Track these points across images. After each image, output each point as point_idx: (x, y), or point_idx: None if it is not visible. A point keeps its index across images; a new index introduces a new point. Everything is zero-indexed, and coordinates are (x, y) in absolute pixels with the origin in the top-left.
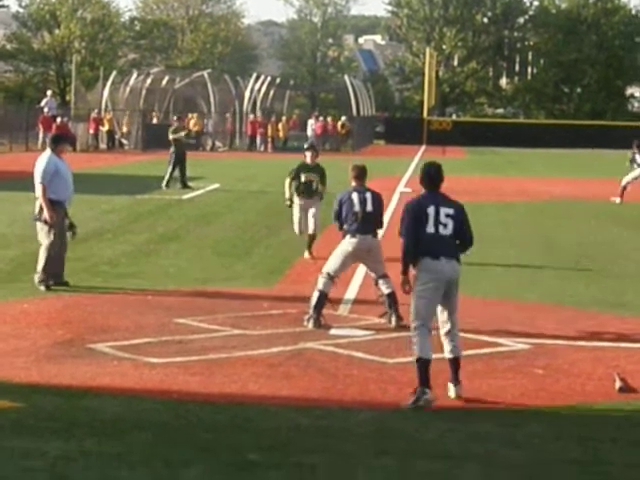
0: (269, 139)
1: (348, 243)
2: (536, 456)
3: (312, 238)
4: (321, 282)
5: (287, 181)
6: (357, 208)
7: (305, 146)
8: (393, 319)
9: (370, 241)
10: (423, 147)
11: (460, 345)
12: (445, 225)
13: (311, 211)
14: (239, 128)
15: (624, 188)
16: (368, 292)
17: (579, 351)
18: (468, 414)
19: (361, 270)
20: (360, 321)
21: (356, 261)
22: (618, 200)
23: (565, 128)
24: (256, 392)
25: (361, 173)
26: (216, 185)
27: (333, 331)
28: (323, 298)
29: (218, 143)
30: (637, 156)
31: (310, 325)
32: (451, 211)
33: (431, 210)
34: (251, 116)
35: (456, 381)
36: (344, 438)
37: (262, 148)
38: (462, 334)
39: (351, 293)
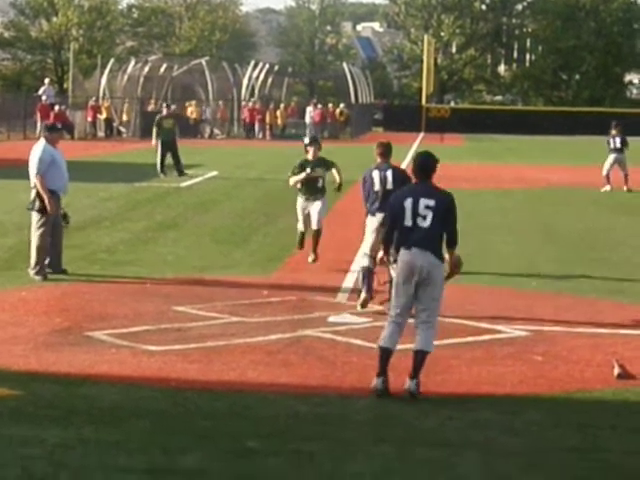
0: (267, 126)
1: (371, 221)
2: (535, 444)
3: (315, 236)
4: (363, 261)
5: (291, 177)
6: (377, 187)
7: (306, 141)
8: None
9: None
10: (421, 134)
11: (428, 340)
12: (424, 217)
13: (315, 206)
14: (237, 116)
15: (607, 177)
16: None
17: (578, 338)
18: (467, 401)
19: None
20: (358, 309)
21: None
22: (608, 188)
23: (563, 115)
24: (255, 380)
25: (385, 150)
26: (214, 173)
27: (331, 318)
28: (371, 273)
29: (216, 131)
30: (610, 140)
31: (367, 298)
32: (431, 202)
33: (408, 203)
34: (249, 104)
35: (412, 374)
36: (343, 425)
37: (260, 135)
38: (461, 321)
39: (349, 281)
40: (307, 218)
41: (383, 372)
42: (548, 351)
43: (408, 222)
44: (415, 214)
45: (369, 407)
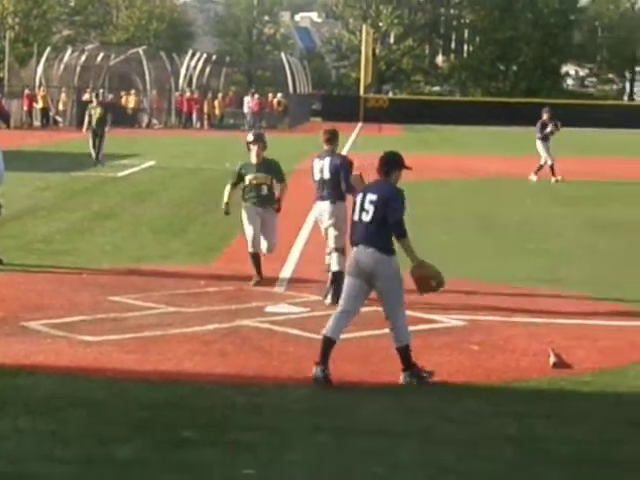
0: (205, 116)
1: (314, 211)
2: (472, 432)
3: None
4: (334, 264)
5: (227, 187)
6: (316, 176)
7: (249, 138)
8: (329, 297)
9: (326, 207)
10: (360, 124)
11: (398, 335)
12: (367, 211)
13: (266, 226)
14: (174, 105)
15: (541, 166)
16: (304, 270)
17: (514, 327)
18: (405, 390)
19: (297, 248)
20: (296, 299)
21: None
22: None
23: (501, 106)
24: (191, 370)
25: (331, 137)
26: (152, 162)
27: (269, 308)
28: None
29: (154, 120)
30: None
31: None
32: (374, 197)
33: (359, 198)
34: (187, 93)
35: (403, 367)
36: (280, 415)
37: (198, 125)
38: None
39: (287, 271)
40: (258, 233)
41: (323, 361)
42: (484, 340)
43: (355, 217)
44: (361, 209)
45: (306, 397)
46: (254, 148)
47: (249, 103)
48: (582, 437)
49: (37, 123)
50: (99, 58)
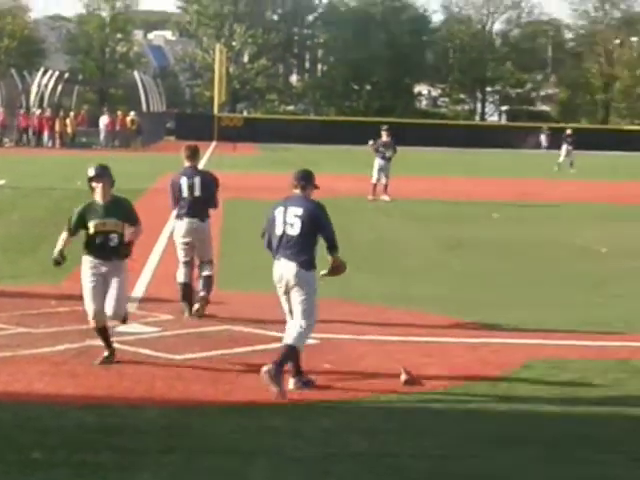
0: (57, 135)
1: (178, 227)
2: (325, 449)
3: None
4: (178, 273)
5: (63, 235)
6: (185, 194)
7: (90, 173)
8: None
9: (197, 224)
10: (214, 143)
11: (299, 334)
12: (292, 225)
13: (112, 284)
14: (26, 123)
15: (384, 185)
16: (156, 290)
17: (366, 345)
18: (256, 409)
19: (149, 267)
20: (148, 318)
21: (191, 244)
22: (387, 198)
23: (355, 125)
24: (41, 390)
25: (192, 153)
26: (1, 182)
27: (120, 328)
28: (185, 288)
29: (5, 138)
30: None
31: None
32: (299, 211)
33: (279, 211)
34: (37, 111)
35: (275, 361)
36: (130, 436)
37: (50, 144)
38: (250, 329)
39: (139, 290)
40: (99, 294)
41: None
42: (337, 359)
43: (279, 230)
44: (284, 222)
45: (158, 417)
46: (98, 186)
47: (105, 121)
48: (435, 452)
49: None
50: None
